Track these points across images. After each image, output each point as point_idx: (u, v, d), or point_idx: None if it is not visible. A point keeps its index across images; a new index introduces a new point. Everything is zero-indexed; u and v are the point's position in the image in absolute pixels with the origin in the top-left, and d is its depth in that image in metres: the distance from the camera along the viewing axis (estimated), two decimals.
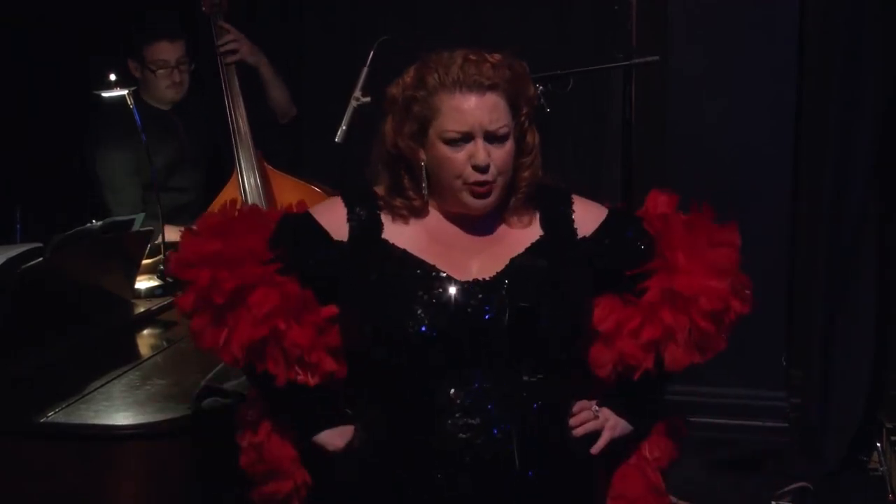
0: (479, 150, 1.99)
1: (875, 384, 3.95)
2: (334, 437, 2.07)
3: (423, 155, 2.05)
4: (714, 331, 2.05)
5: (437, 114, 2.01)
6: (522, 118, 2.06)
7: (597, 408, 2.09)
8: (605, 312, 2.09)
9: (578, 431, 2.07)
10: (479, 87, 2.00)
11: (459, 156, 2.00)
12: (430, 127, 2.02)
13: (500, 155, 2.01)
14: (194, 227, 2.09)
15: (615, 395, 2.11)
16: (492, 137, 2.00)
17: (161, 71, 3.75)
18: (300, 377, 2.01)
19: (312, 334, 2.01)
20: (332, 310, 2.03)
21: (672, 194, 2.17)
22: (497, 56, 2.03)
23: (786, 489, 3.74)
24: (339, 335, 2.04)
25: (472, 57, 2.01)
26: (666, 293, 2.05)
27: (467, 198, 2.03)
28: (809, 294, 4.05)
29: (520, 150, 2.06)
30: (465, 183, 2.01)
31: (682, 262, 2.06)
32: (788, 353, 4.20)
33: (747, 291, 2.09)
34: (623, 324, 2.07)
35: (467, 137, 2.00)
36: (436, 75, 2.01)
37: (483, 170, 2.00)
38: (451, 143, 2.00)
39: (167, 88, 3.79)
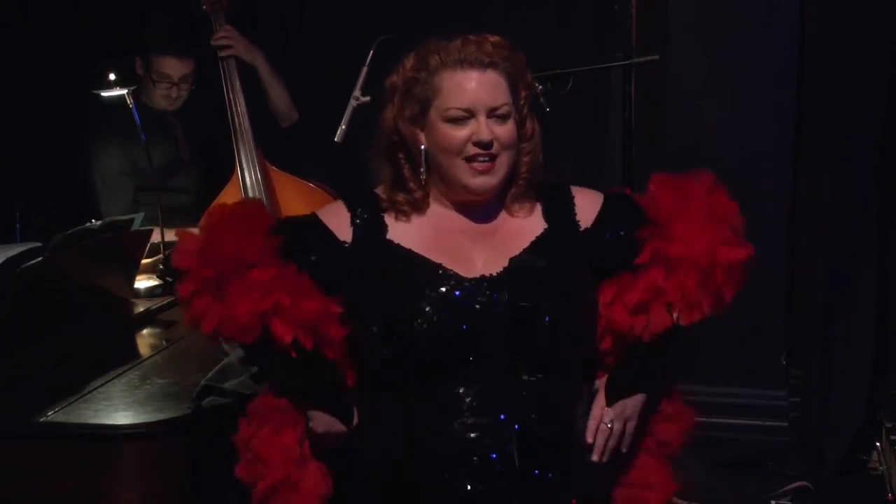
0: (482, 127, 2.00)
1: (875, 384, 3.95)
2: (320, 420, 2.01)
3: (423, 139, 2.05)
4: (717, 281, 2.03)
5: (439, 93, 2.02)
6: (521, 102, 2.07)
7: (609, 417, 2.06)
8: (607, 288, 2.08)
9: (604, 459, 2.05)
10: (480, 65, 2.01)
11: (462, 133, 2.01)
12: (431, 107, 2.03)
13: (503, 132, 2.02)
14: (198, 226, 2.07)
15: (617, 369, 2.08)
16: (494, 115, 2.01)
17: (161, 83, 3.77)
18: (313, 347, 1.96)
19: (318, 306, 1.97)
20: (333, 302, 1.99)
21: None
22: (496, 37, 2.06)
23: (786, 489, 3.74)
24: (345, 328, 2.01)
25: (472, 37, 2.04)
26: (660, 256, 2.04)
27: (469, 177, 2.02)
28: (809, 294, 4.05)
29: (520, 136, 2.07)
30: (466, 160, 2.01)
31: (680, 231, 2.04)
32: (788, 352, 4.20)
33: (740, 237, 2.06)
34: (618, 292, 2.06)
35: (469, 114, 2.00)
36: (437, 56, 2.03)
37: (486, 145, 2.00)
38: (454, 121, 2.01)
39: (161, 98, 3.82)
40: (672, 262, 2.04)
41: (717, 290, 2.04)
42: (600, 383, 2.10)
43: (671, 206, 2.08)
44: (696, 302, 2.04)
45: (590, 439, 2.06)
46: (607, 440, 2.05)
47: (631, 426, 2.07)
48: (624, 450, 2.06)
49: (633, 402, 2.07)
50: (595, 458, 2.05)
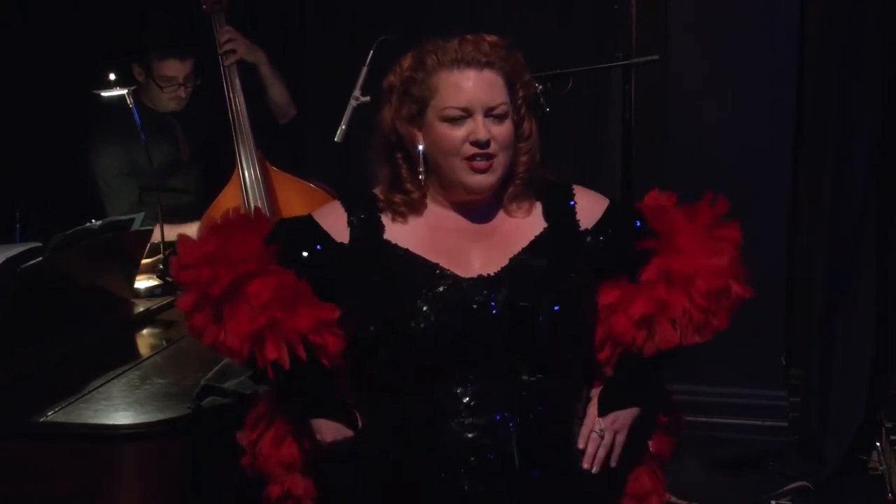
0: (479, 126, 2.00)
1: (875, 384, 3.95)
2: (326, 428, 2.04)
3: (420, 140, 2.05)
4: (713, 308, 2.03)
5: (436, 92, 2.02)
6: (519, 101, 2.07)
7: (600, 426, 2.06)
8: (607, 290, 2.08)
9: (595, 468, 2.04)
10: (478, 64, 2.02)
11: (459, 133, 2.01)
12: (429, 107, 2.03)
13: (500, 131, 2.02)
14: (196, 231, 2.09)
15: (612, 380, 2.08)
16: (491, 115, 2.01)
17: (169, 87, 3.76)
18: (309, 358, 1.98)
19: (313, 318, 1.98)
20: (330, 308, 2.01)
21: (671, 193, 2.16)
22: (494, 37, 2.06)
23: (786, 489, 3.74)
24: (342, 336, 2.02)
25: (469, 37, 2.04)
26: (663, 272, 2.04)
27: (468, 176, 2.02)
28: (809, 294, 4.05)
29: (517, 136, 2.07)
30: (464, 159, 2.02)
31: (683, 243, 2.05)
32: (788, 352, 4.20)
33: (747, 277, 2.07)
34: (621, 301, 2.06)
35: (467, 114, 2.01)
36: (434, 56, 2.03)
37: (484, 145, 2.00)
38: (451, 120, 2.01)
39: (169, 101, 3.81)
40: (674, 275, 2.03)
41: (717, 314, 2.04)
42: (595, 392, 2.09)
43: (680, 221, 2.08)
44: (702, 324, 2.04)
45: (581, 445, 2.05)
46: (597, 449, 2.05)
47: (620, 439, 2.06)
48: (613, 464, 2.05)
49: (625, 415, 2.07)
50: (586, 465, 2.05)
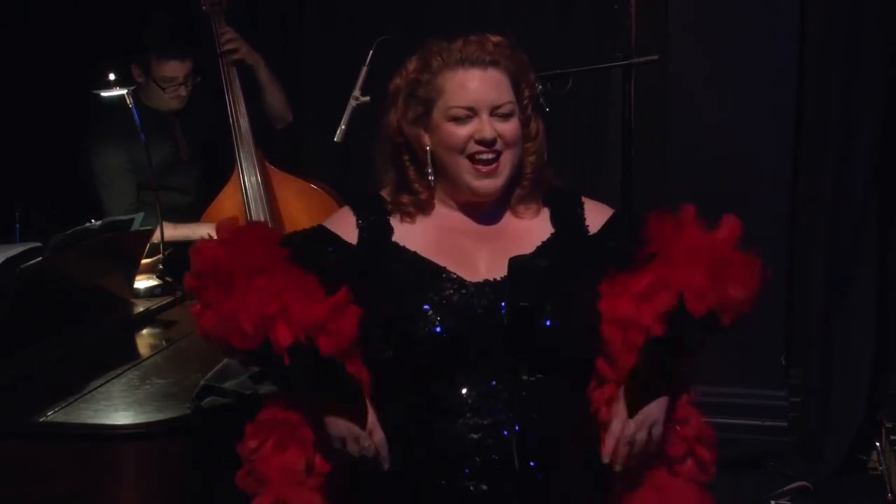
0: (485, 125, 2.01)
1: (875, 384, 3.95)
2: (335, 425, 1.97)
3: (427, 140, 2.06)
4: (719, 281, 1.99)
5: (442, 92, 2.03)
6: (525, 101, 2.08)
7: (632, 430, 1.97)
8: (606, 285, 2.04)
9: (620, 467, 1.98)
10: (482, 63, 2.03)
11: (464, 131, 2.02)
12: (435, 107, 2.04)
13: (506, 128, 2.03)
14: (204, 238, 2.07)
15: (634, 376, 1.99)
16: (497, 113, 2.02)
17: (170, 87, 3.77)
18: (324, 344, 1.93)
19: (327, 307, 1.94)
20: (344, 294, 1.97)
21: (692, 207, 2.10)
22: (498, 37, 2.07)
23: (785, 489, 3.75)
24: (355, 323, 1.98)
25: (473, 37, 2.05)
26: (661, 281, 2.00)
27: (473, 179, 2.03)
28: (809, 293, 4.05)
29: (524, 135, 2.08)
30: (470, 161, 2.02)
31: (679, 258, 2.01)
32: (788, 352, 4.20)
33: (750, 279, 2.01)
34: (623, 286, 2.02)
35: (472, 113, 2.01)
36: (439, 58, 2.04)
37: (489, 143, 2.01)
38: (457, 120, 2.02)
39: (171, 100, 3.81)
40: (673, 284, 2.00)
41: (726, 290, 2.00)
42: (618, 394, 2.01)
43: (671, 235, 2.05)
44: (703, 292, 1.99)
45: (606, 452, 1.98)
46: (630, 453, 1.98)
47: (657, 431, 1.99)
48: (652, 451, 2.00)
49: (657, 408, 2.00)
50: (619, 468, 1.99)
